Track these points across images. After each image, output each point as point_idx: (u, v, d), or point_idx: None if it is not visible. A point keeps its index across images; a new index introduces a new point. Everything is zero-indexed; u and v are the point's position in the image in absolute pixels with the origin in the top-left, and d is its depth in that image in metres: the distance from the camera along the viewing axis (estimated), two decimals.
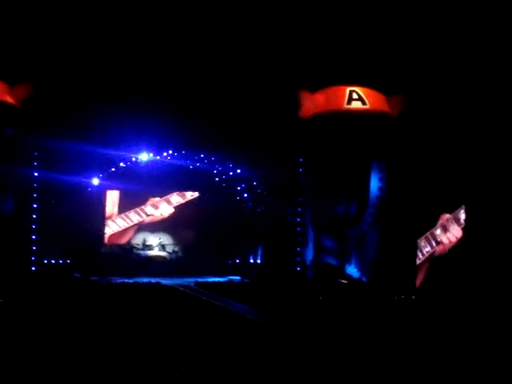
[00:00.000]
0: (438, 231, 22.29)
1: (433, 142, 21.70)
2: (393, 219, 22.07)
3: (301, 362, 14.13)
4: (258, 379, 13.00)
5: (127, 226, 25.76)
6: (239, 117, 23.04)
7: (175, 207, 26.18)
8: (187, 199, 26.27)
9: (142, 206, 25.96)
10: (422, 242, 22.58)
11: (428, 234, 22.29)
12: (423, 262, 22.20)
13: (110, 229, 25.81)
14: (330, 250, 23.50)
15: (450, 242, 22.28)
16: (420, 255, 22.47)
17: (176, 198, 26.22)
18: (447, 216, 22.29)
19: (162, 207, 26.05)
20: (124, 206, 26.01)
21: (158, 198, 26.01)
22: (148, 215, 25.95)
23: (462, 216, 22.29)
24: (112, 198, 25.89)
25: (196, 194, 26.26)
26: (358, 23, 22.07)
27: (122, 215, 25.76)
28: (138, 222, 25.91)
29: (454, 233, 22.19)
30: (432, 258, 22.25)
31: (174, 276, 24.11)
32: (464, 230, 22.15)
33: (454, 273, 21.57)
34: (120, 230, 25.76)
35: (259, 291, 21.19)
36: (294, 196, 23.85)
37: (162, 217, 26.12)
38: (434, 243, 22.41)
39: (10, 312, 18.11)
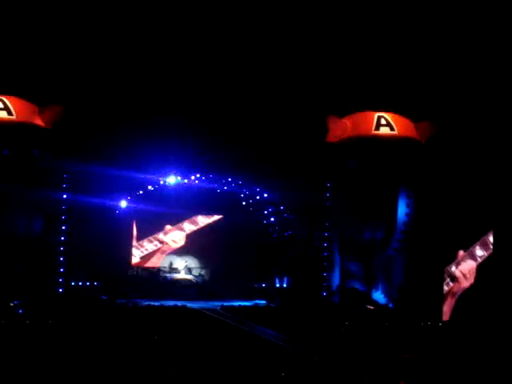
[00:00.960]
0: (453, 268, 22.00)
1: (461, 169, 21.64)
2: (420, 245, 21.98)
3: None
4: None
5: (142, 255, 25.79)
6: (267, 141, 23.08)
7: (194, 234, 26.20)
8: (199, 226, 26.22)
9: (155, 235, 25.94)
10: None
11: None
12: (444, 300, 21.91)
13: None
14: (357, 275, 23.40)
15: (466, 279, 22.00)
16: None
17: (188, 226, 26.17)
18: (462, 253, 22.03)
19: (175, 234, 26.02)
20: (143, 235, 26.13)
21: (169, 226, 25.96)
22: (162, 243, 25.93)
23: (478, 252, 21.99)
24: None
25: (207, 221, 26.24)
26: (387, 50, 22.12)
27: (137, 244, 25.75)
28: (153, 250, 25.92)
29: (469, 269, 21.92)
30: (456, 296, 22.00)
31: (200, 299, 24.07)
32: (479, 266, 21.95)
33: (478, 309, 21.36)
34: (136, 258, 25.85)
35: (285, 316, 21.13)
36: (321, 221, 23.80)
37: (178, 245, 26.13)
38: (449, 281, 22.15)
39: (36, 333, 18.20)
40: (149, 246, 25.82)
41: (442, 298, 21.60)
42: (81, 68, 22.10)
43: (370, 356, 16.64)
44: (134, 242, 25.79)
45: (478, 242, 21.87)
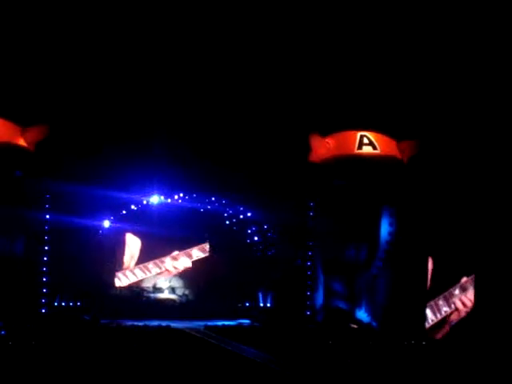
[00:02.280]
0: (457, 291, 22.01)
1: (443, 188, 21.72)
2: (403, 264, 22.03)
3: None
4: None
5: (145, 276, 25.79)
6: (250, 160, 23.13)
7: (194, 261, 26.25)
8: (208, 253, 26.20)
9: (162, 258, 25.89)
10: (440, 301, 22.08)
11: (446, 293, 22.04)
12: (443, 322, 21.85)
13: (128, 279, 25.78)
14: (340, 294, 23.42)
15: (465, 306, 22.00)
16: (438, 315, 22.10)
17: (196, 253, 26.18)
18: (466, 278, 22.06)
19: (182, 260, 26.01)
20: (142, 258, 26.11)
21: (176, 252, 25.98)
22: (168, 269, 25.95)
23: None
24: (131, 251, 25.86)
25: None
26: (369, 69, 22.22)
27: (141, 266, 25.71)
28: (157, 273, 25.94)
29: (471, 296, 21.94)
30: (450, 325, 21.95)
31: (183, 319, 24.02)
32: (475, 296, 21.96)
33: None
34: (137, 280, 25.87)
35: (269, 335, 21.11)
36: (305, 240, 23.83)
37: (179, 271, 26.13)
38: (452, 304, 22.16)
39: (19, 354, 18.09)
40: (153, 269, 25.86)
41: (425, 316, 21.67)
42: (64, 89, 22.09)
43: (353, 374, 16.66)
44: (138, 265, 25.86)
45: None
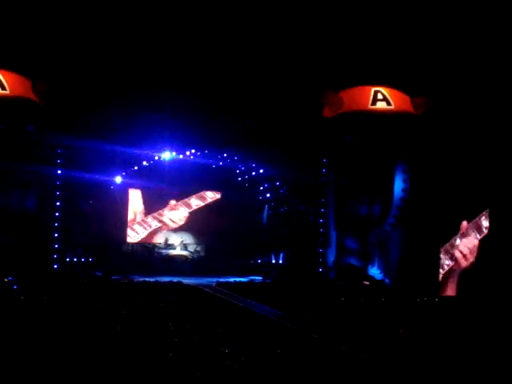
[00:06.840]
0: (458, 241, 21.84)
1: (457, 143, 21.56)
2: (416, 221, 21.94)
3: (321, 362, 14.07)
4: (278, 379, 12.96)
5: (146, 232, 25.69)
6: (262, 116, 22.98)
7: (193, 211, 26.09)
8: (207, 202, 26.12)
9: (160, 211, 25.81)
10: (441, 255, 21.61)
11: (447, 245, 21.85)
12: (447, 276, 21.70)
13: (131, 238, 25.80)
14: (353, 251, 23.41)
15: (470, 252, 21.80)
16: (440, 270, 21.86)
17: (195, 201, 26.10)
18: (466, 224, 21.90)
19: (181, 210, 25.91)
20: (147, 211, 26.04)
21: (174, 202, 25.91)
22: (166, 223, 25.82)
23: (484, 223, 21.79)
24: (133, 207, 25.83)
25: (216, 197, 26.11)
26: (383, 24, 21.98)
27: (140, 221, 25.63)
28: (157, 227, 25.83)
29: (473, 242, 21.72)
30: (458, 273, 21.79)
31: (195, 275, 24.06)
32: (481, 240, 21.72)
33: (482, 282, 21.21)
34: (140, 235, 25.75)
35: (281, 292, 21.12)
36: (317, 196, 23.77)
37: (178, 224, 26.04)
38: (453, 255, 22.02)
39: (31, 309, 18.17)
40: (153, 222, 25.76)
41: (438, 273, 21.57)
42: (75, 43, 21.91)
43: (364, 331, 16.64)
44: (139, 218, 25.74)
45: (484, 213, 21.72)
